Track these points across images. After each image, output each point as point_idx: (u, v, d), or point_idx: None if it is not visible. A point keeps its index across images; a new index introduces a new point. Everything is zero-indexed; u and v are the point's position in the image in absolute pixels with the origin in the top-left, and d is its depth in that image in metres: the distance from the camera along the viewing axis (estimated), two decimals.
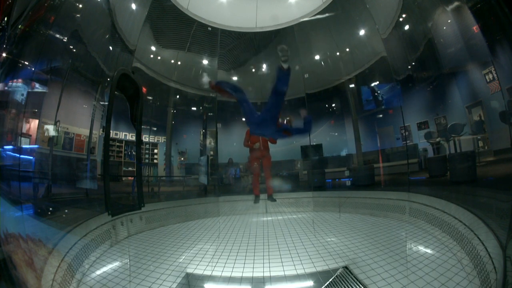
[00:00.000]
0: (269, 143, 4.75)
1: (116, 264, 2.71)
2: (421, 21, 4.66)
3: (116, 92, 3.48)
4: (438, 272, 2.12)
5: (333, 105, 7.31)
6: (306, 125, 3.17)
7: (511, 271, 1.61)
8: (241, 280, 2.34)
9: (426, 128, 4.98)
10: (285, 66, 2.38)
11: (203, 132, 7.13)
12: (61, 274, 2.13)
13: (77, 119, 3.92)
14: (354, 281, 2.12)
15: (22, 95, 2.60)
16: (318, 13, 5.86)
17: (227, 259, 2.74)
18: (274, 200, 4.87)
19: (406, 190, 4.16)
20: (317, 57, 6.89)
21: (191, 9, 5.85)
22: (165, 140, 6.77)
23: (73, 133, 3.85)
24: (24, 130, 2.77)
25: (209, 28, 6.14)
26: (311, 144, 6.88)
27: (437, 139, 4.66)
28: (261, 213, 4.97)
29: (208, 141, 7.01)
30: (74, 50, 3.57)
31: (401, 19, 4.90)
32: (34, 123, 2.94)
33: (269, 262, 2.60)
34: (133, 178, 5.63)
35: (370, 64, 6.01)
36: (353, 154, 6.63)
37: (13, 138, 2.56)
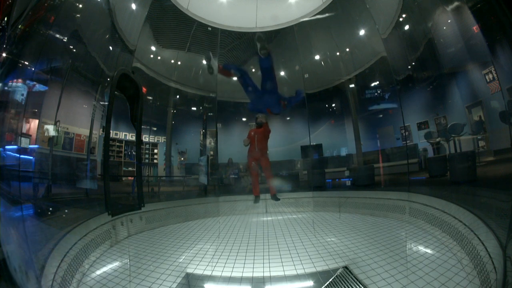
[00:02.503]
0: (266, 145, 4.73)
1: (116, 264, 2.71)
2: (421, 21, 4.66)
3: (116, 92, 3.47)
4: (438, 272, 2.12)
5: (333, 105, 7.31)
6: (298, 94, 3.60)
7: (511, 271, 1.61)
8: (241, 280, 2.34)
9: (426, 128, 4.98)
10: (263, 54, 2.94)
11: (203, 132, 7.13)
12: (61, 274, 2.13)
13: (77, 119, 3.92)
14: (354, 281, 2.12)
15: (22, 95, 2.60)
16: (318, 13, 5.85)
17: (227, 259, 2.74)
18: (278, 200, 4.85)
19: (406, 190, 4.16)
20: (317, 57, 6.88)
21: (191, 9, 5.85)
22: (165, 140, 6.77)
23: (73, 133, 3.85)
24: (24, 130, 2.76)
25: (209, 28, 6.13)
26: (311, 144, 6.88)
27: (437, 139, 4.66)
28: (261, 213, 4.97)
29: (208, 141, 7.01)
30: (74, 50, 3.57)
31: (401, 19, 4.89)
32: (34, 123, 2.94)
33: (269, 262, 2.60)
34: (133, 178, 5.63)
35: (370, 64, 6.00)
36: (353, 154, 6.63)
37: (13, 138, 2.56)
